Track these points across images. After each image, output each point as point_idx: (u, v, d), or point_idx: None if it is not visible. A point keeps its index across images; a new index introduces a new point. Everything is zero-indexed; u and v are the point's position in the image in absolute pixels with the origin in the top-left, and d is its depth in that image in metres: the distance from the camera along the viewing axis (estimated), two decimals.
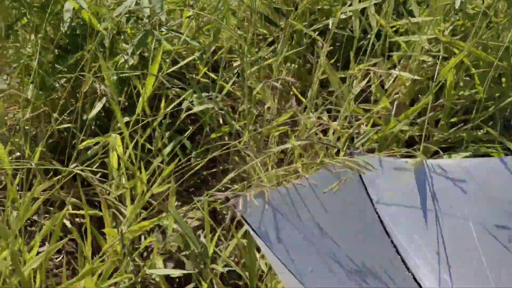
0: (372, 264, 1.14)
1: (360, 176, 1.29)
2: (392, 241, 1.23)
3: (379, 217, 1.26)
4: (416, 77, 1.63)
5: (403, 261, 1.20)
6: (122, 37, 1.57)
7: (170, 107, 1.40)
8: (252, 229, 0.99)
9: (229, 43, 1.64)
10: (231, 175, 1.29)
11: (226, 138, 1.71)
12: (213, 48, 1.75)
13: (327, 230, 1.14)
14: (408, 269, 1.20)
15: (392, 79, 1.78)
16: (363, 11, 1.76)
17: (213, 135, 1.64)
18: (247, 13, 1.77)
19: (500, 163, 1.35)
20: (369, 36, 1.72)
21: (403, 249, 1.22)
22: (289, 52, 1.64)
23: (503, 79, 1.78)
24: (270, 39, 1.88)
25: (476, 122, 1.63)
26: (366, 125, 1.76)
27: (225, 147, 1.66)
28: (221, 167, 1.72)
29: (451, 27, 1.80)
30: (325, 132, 1.64)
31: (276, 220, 1.07)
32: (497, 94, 1.75)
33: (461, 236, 1.24)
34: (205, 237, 1.30)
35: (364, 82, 1.57)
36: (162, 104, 1.48)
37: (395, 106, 1.82)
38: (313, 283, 1.01)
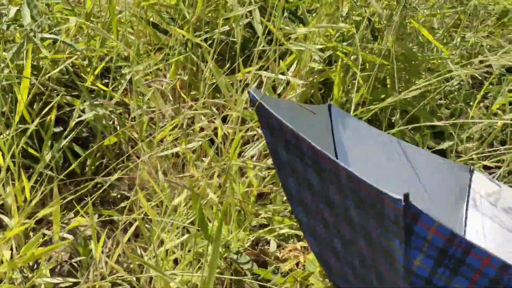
0: None
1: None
2: None
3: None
4: (302, 81, 1.69)
5: None
6: (8, 45, 1.55)
7: (45, 111, 1.39)
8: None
9: (116, 50, 1.65)
10: (115, 176, 1.29)
11: (123, 146, 1.71)
12: (109, 56, 1.75)
13: None
14: None
15: (284, 84, 1.84)
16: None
17: (106, 142, 1.64)
18: (138, 21, 1.79)
19: None
20: (263, 42, 1.77)
21: None
22: (176, 58, 1.67)
23: (388, 81, 1.88)
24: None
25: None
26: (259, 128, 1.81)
27: (121, 154, 1.67)
28: (116, 174, 1.72)
29: (338, 34, 1.88)
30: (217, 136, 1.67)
31: None
32: (382, 96, 1.84)
33: None
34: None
35: (254, 86, 1.62)
36: (53, 113, 1.47)
37: None
38: None
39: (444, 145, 1.78)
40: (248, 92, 1.03)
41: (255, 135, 1.77)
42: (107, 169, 1.66)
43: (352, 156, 1.35)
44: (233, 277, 1.41)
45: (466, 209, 1.34)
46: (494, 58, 1.62)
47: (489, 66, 1.93)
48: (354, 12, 1.94)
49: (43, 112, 1.40)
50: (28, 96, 1.29)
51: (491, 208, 1.32)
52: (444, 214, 1.32)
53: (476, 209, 1.34)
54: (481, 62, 1.78)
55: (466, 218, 1.33)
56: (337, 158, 1.23)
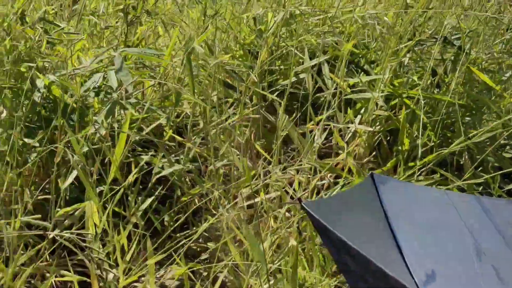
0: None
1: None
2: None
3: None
4: (369, 128, 1.72)
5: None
6: (91, 110, 1.64)
7: (136, 170, 1.46)
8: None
9: (190, 107, 1.72)
10: (200, 230, 1.34)
11: (196, 200, 1.76)
12: (179, 113, 1.83)
13: None
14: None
15: (351, 133, 1.87)
16: (320, 70, 1.88)
17: (184, 198, 1.70)
18: (209, 79, 1.87)
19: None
20: (325, 93, 1.82)
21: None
22: (247, 111, 1.73)
23: (456, 125, 1.89)
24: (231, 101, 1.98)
25: (430, 165, 1.71)
26: (330, 177, 1.84)
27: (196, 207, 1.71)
28: (194, 228, 1.76)
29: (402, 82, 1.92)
30: (291, 185, 1.71)
31: None
32: (449, 140, 1.86)
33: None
34: None
35: (324, 136, 1.66)
36: (134, 171, 1.53)
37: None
38: None
39: None
40: (301, 206, 1.10)
41: (325, 183, 1.80)
42: (182, 223, 1.71)
43: (404, 217, 1.37)
44: None
45: None
46: None
47: None
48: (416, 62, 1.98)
49: (133, 173, 1.47)
50: (121, 155, 1.36)
51: None
52: None
53: None
54: None
55: None
56: (389, 225, 1.30)
